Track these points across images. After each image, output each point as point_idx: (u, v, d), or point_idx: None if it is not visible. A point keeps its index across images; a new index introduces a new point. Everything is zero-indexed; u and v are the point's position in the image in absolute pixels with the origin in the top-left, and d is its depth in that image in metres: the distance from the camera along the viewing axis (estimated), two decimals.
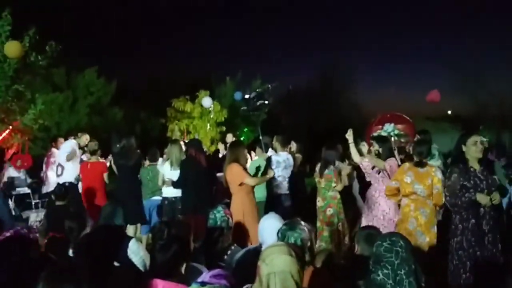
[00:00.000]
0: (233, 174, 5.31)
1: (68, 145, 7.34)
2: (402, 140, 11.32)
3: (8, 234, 3.08)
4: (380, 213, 5.53)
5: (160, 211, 6.84)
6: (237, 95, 9.19)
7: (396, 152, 6.37)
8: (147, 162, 7.29)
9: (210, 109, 12.71)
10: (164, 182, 6.62)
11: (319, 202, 6.11)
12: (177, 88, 17.01)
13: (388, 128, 12.39)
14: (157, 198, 6.86)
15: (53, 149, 7.96)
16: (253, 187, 5.50)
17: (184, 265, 2.60)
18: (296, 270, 2.08)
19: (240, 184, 5.27)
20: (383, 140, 6.19)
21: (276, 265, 2.06)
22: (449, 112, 27.84)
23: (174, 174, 6.26)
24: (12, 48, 6.69)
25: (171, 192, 6.43)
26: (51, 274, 1.75)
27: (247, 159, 5.92)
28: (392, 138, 11.86)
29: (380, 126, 12.58)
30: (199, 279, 1.56)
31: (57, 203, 5.59)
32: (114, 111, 17.19)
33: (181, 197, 6.13)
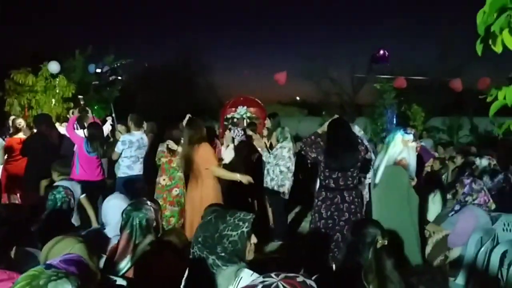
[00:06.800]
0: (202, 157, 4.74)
1: None
2: (254, 122, 11.96)
3: None
4: None
5: None
6: (91, 68, 8.74)
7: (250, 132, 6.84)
8: None
9: (56, 80, 11.75)
10: None
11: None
12: (18, 59, 15.32)
13: (241, 111, 12.93)
14: None
15: None
16: None
17: (14, 250, 2.38)
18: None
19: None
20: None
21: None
22: (298, 98, 30.25)
23: None
24: None
25: None
26: None
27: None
28: (244, 121, 12.43)
29: (234, 109, 13.07)
30: (48, 262, 1.44)
31: None
32: None
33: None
